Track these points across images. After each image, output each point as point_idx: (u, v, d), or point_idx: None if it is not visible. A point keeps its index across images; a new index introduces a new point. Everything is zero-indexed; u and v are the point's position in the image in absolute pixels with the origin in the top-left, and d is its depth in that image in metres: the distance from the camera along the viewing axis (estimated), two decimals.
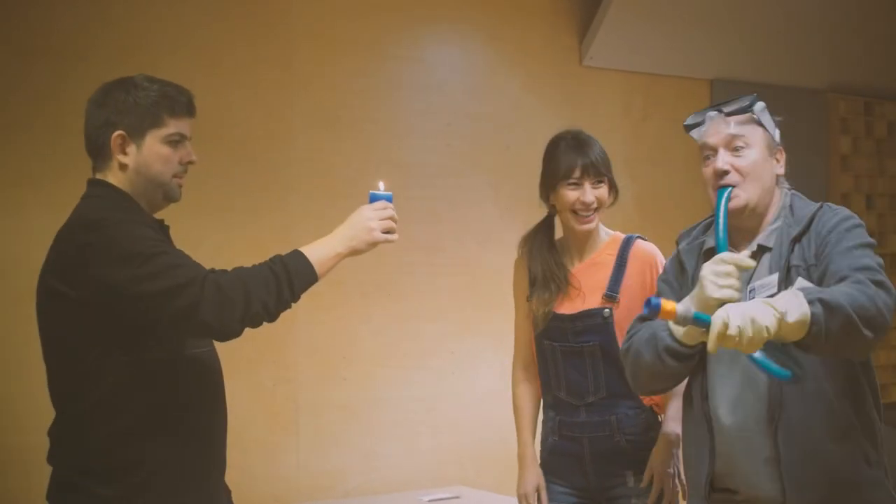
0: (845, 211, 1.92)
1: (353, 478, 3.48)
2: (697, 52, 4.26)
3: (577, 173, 2.35)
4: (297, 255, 1.91)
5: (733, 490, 1.96)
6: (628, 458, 2.35)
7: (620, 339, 2.33)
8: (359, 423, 3.50)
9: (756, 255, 1.94)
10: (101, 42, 3.10)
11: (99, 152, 1.94)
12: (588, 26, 4.04)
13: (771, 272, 1.92)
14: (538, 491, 2.44)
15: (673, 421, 2.32)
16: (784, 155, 2.02)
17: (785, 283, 1.88)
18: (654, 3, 4.02)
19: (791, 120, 2.11)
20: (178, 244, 2.00)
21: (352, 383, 3.50)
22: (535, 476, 2.46)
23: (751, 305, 1.64)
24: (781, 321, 1.61)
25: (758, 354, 1.70)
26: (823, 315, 1.64)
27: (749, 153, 1.97)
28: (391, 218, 2.00)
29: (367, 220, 1.97)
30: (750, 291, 1.95)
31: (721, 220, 1.91)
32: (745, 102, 1.99)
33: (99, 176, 1.95)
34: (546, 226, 2.50)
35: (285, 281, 1.86)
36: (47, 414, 2.88)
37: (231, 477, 2.07)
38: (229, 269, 1.88)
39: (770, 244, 1.95)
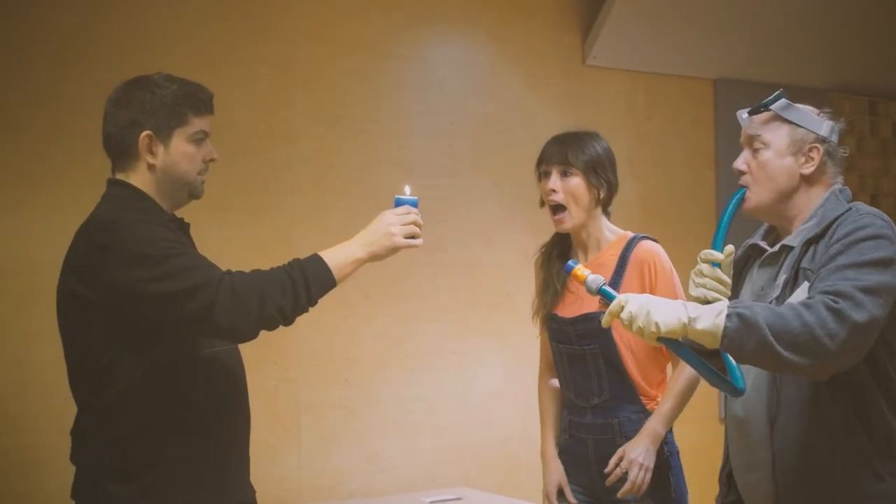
0: (867, 218, 1.83)
1: (355, 479, 3.46)
2: (701, 51, 4.25)
3: (543, 162, 2.37)
4: (316, 260, 1.89)
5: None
6: None
7: (621, 343, 2.34)
8: (360, 424, 3.49)
9: (778, 255, 1.94)
10: (101, 42, 3.09)
11: (124, 153, 1.93)
12: (591, 25, 4.02)
13: (787, 273, 1.91)
14: (561, 487, 2.42)
15: (659, 419, 2.30)
16: (820, 152, 1.94)
17: (791, 284, 1.87)
18: (658, 3, 4.00)
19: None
20: None
21: (353, 384, 3.49)
22: (556, 474, 2.43)
23: (658, 300, 1.69)
24: (687, 325, 1.65)
25: (701, 361, 1.76)
26: (738, 330, 1.64)
27: (763, 154, 1.95)
28: (415, 223, 1.97)
29: (389, 225, 1.95)
30: (761, 288, 1.96)
31: (724, 220, 1.90)
32: (764, 101, 1.97)
33: (120, 176, 1.95)
34: (560, 236, 2.48)
35: (302, 285, 1.84)
36: (47, 414, 2.91)
37: None
38: (238, 270, 1.87)
39: (795, 244, 1.92)
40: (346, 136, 3.53)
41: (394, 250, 1.96)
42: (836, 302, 1.68)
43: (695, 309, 1.67)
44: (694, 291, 1.81)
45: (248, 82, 3.32)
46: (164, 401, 1.86)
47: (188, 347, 1.88)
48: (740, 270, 2.06)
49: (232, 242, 3.17)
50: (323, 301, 1.92)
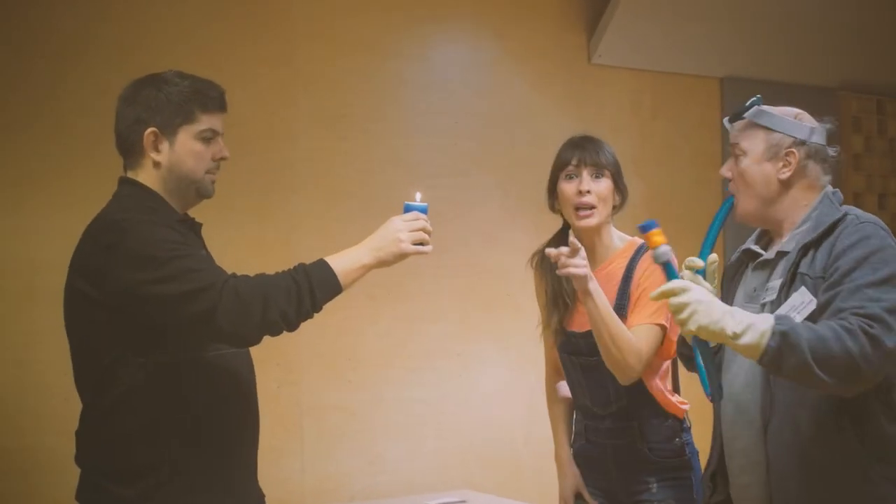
0: (868, 227, 1.84)
1: (358, 481, 3.45)
2: (707, 50, 4.22)
3: (574, 162, 2.33)
4: (322, 265, 1.87)
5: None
6: (652, 465, 2.31)
7: None
8: (363, 426, 3.48)
9: (776, 261, 1.95)
10: (101, 42, 3.09)
11: (131, 150, 1.93)
12: (596, 24, 4.00)
13: (781, 278, 1.90)
14: (579, 492, 2.40)
15: (600, 296, 2.20)
16: (797, 156, 1.94)
17: (787, 289, 1.86)
18: (663, 1, 3.98)
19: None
20: None
21: (356, 385, 3.47)
22: (573, 478, 2.42)
23: (708, 301, 1.71)
24: (731, 339, 1.69)
25: (700, 361, 1.84)
26: (779, 350, 1.68)
27: (742, 161, 1.97)
28: (423, 229, 1.95)
29: (397, 231, 1.93)
30: (754, 290, 1.97)
31: (713, 228, 1.93)
32: (739, 109, 1.98)
33: (130, 174, 1.95)
34: (559, 240, 2.41)
35: (307, 290, 1.82)
36: (47, 415, 2.90)
37: None
38: (239, 272, 1.86)
39: (789, 249, 1.92)
40: (347, 136, 3.52)
41: (401, 256, 1.93)
42: (871, 327, 1.71)
43: (740, 321, 1.69)
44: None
45: (249, 82, 3.31)
46: (167, 402, 1.85)
47: (192, 349, 1.87)
48: (733, 275, 2.08)
49: (233, 243, 3.16)
50: None
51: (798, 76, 4.44)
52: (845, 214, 1.88)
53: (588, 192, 2.30)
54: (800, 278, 1.85)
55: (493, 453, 3.70)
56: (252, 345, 1.88)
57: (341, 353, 3.46)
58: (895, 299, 1.74)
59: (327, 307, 1.90)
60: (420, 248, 1.95)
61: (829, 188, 1.97)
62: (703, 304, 1.70)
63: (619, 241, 2.39)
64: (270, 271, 1.88)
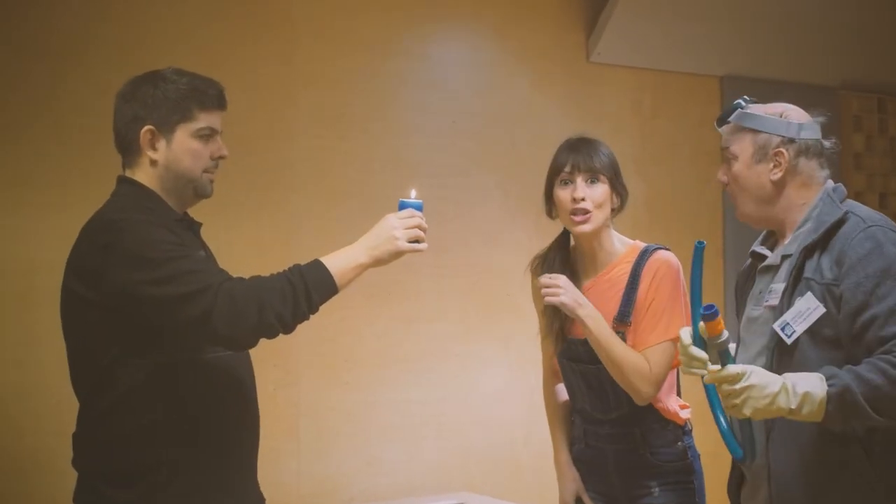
0: (877, 232, 1.80)
1: (356, 484, 3.44)
2: (707, 48, 4.21)
3: (567, 168, 2.28)
4: (317, 266, 1.85)
5: None
6: (654, 469, 2.29)
7: None
8: (361, 428, 3.46)
9: (780, 263, 1.94)
10: (101, 42, 3.08)
11: (128, 148, 1.92)
12: (595, 22, 3.99)
13: (785, 281, 1.88)
14: (579, 495, 2.39)
15: (595, 317, 2.20)
16: (786, 155, 1.91)
17: (790, 292, 1.84)
18: None
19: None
20: None
21: (354, 386, 3.46)
22: (573, 482, 2.39)
23: (762, 379, 1.69)
24: (791, 414, 1.69)
25: (724, 424, 1.81)
26: (840, 413, 1.68)
27: (734, 166, 1.96)
28: (419, 226, 1.93)
29: (392, 228, 1.91)
30: (759, 292, 1.95)
31: (694, 283, 1.81)
32: (723, 113, 1.97)
33: (128, 172, 1.94)
34: (560, 244, 2.39)
35: (302, 292, 1.81)
36: (46, 416, 2.88)
37: None
38: (239, 272, 1.85)
39: (791, 251, 1.90)
40: (347, 136, 3.51)
41: (397, 255, 1.92)
42: None
43: (794, 395, 1.68)
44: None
45: (248, 81, 3.30)
46: (165, 404, 1.84)
47: (189, 351, 1.86)
48: (745, 280, 2.06)
49: (233, 243, 3.15)
50: None
51: (798, 75, 4.42)
52: (847, 213, 1.85)
53: (583, 198, 2.25)
54: (805, 283, 1.82)
55: (493, 455, 3.69)
56: (248, 348, 1.87)
57: (339, 354, 3.44)
58: None
59: (325, 308, 1.88)
60: (416, 245, 1.93)
61: (830, 184, 1.93)
62: (755, 389, 1.69)
63: (621, 244, 2.35)
64: (270, 271, 1.86)
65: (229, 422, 1.92)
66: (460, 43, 3.79)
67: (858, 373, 1.69)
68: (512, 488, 3.63)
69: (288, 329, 1.83)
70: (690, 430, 2.36)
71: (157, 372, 1.83)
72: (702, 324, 1.77)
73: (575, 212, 2.27)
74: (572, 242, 2.39)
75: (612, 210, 2.32)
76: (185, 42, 3.19)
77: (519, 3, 3.87)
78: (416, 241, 1.93)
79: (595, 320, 2.20)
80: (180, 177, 1.91)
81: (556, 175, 2.31)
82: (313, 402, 3.38)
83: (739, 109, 1.94)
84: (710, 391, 1.81)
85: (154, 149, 1.89)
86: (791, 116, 1.94)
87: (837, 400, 1.66)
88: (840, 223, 1.84)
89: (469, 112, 3.76)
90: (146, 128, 1.88)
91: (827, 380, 1.68)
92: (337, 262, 1.86)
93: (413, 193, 2.00)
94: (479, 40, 3.81)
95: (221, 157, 1.95)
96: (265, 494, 2.05)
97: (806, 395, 1.67)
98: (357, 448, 3.45)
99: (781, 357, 1.84)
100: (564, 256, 2.37)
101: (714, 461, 2.85)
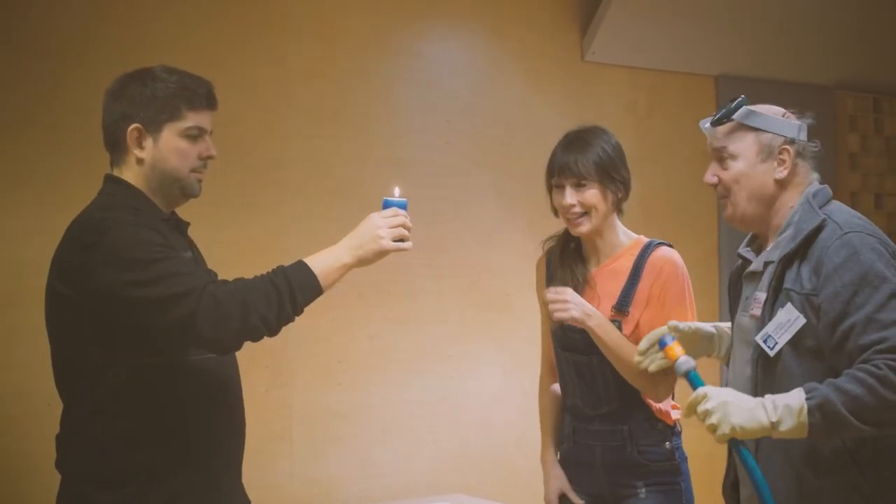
0: (853, 239, 1.78)
1: (349, 486, 3.42)
2: (702, 47, 4.21)
3: (555, 176, 2.29)
4: (301, 267, 1.84)
5: None
6: (641, 469, 2.29)
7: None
8: (355, 430, 3.44)
9: (763, 270, 1.94)
10: (101, 42, 3.08)
11: (115, 146, 1.90)
12: (590, 21, 3.98)
13: (766, 291, 1.89)
14: (564, 494, 2.38)
15: (600, 321, 2.21)
16: (791, 154, 1.91)
17: (772, 303, 1.84)
18: None
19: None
20: None
21: (347, 388, 3.44)
22: (557, 480, 2.40)
23: (736, 399, 1.71)
24: (770, 430, 1.70)
25: (756, 470, 1.80)
26: (823, 426, 1.68)
27: (734, 166, 1.93)
28: (403, 225, 1.91)
29: (376, 228, 1.89)
30: (745, 299, 1.96)
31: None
32: (725, 111, 1.94)
33: (115, 171, 1.92)
34: (567, 233, 2.40)
35: (287, 294, 1.79)
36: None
37: None
38: (225, 276, 1.84)
39: (774, 259, 1.89)
40: (342, 135, 3.50)
41: (382, 254, 1.90)
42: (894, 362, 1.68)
43: (773, 409, 1.69)
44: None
45: (243, 80, 3.29)
46: (149, 407, 1.82)
47: (173, 354, 1.84)
48: (736, 281, 2.06)
49: (227, 243, 3.15)
50: (316, 302, 1.88)
51: (793, 74, 4.42)
52: (824, 220, 1.83)
53: (572, 205, 2.26)
54: (785, 294, 1.82)
55: (487, 457, 3.68)
56: (233, 350, 1.85)
57: (332, 354, 3.43)
58: None
59: (318, 308, 1.87)
60: (400, 244, 1.91)
61: (813, 186, 1.92)
62: (731, 405, 1.70)
63: (625, 237, 2.35)
64: (263, 271, 1.85)
65: (215, 424, 1.91)
66: (455, 42, 3.78)
67: (838, 384, 1.68)
68: (507, 490, 3.61)
69: (272, 332, 1.81)
70: (680, 432, 2.35)
71: (141, 374, 1.81)
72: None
73: (569, 216, 2.29)
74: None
75: (615, 202, 2.31)
76: (184, 42, 3.18)
77: (514, 2, 3.87)
78: (401, 239, 1.92)
79: (605, 329, 2.21)
80: (166, 176, 1.89)
81: (549, 178, 2.33)
82: (306, 404, 3.37)
83: (745, 108, 1.92)
84: (744, 452, 1.79)
85: (141, 147, 1.88)
86: (791, 117, 1.95)
87: (818, 412, 1.66)
88: (818, 230, 1.82)
89: (464, 111, 3.75)
90: (133, 126, 1.86)
91: (806, 393, 1.68)
92: (321, 263, 1.85)
93: (397, 192, 1.98)
94: (475, 40, 3.80)
95: (210, 157, 1.93)
96: (256, 498, 2.04)
97: (785, 407, 1.67)
98: (351, 450, 3.43)
99: (766, 369, 1.84)
100: (573, 247, 2.39)
101: (707, 462, 2.84)
